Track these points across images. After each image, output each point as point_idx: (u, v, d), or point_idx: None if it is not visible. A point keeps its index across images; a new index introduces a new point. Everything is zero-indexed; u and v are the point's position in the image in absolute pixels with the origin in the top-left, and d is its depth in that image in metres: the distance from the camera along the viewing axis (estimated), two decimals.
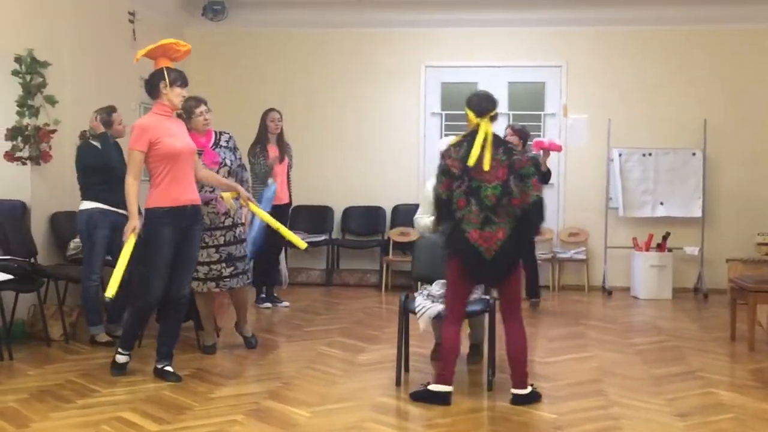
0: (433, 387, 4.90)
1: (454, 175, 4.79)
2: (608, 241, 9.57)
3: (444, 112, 10.01)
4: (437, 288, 5.40)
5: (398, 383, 5.27)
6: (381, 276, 9.57)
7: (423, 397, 4.92)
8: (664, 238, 9.20)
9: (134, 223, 5.11)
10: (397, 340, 5.37)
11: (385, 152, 10.02)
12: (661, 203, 9.47)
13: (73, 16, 7.60)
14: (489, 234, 4.73)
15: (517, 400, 4.89)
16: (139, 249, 5.16)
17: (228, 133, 6.22)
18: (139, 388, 5.17)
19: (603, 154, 9.58)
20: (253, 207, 5.91)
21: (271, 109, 8.17)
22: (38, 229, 6.89)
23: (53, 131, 6.84)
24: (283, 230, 5.91)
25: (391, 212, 9.97)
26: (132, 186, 5.13)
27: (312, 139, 9.87)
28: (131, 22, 8.64)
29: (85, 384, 5.26)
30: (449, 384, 4.88)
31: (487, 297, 5.39)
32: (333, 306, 8.51)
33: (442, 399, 4.86)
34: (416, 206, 9.57)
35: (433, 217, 5.20)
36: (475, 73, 9.96)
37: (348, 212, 10.04)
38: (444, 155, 4.88)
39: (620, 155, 9.48)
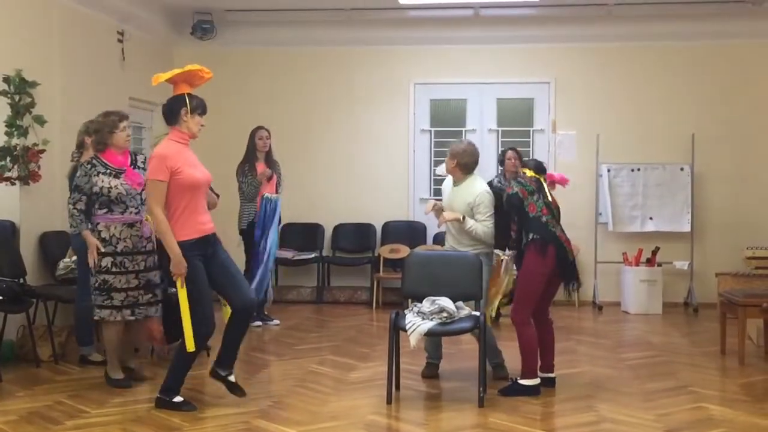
0: (525, 381, 5.44)
1: (532, 189, 5.59)
2: (598, 256, 9.58)
3: (433, 129, 10.04)
4: (427, 305, 5.40)
5: (389, 401, 5.26)
6: (372, 293, 9.56)
7: (515, 391, 5.42)
8: (654, 252, 9.22)
9: (184, 265, 4.84)
10: (388, 357, 5.36)
11: (375, 169, 10.04)
12: (650, 218, 9.50)
13: (62, 36, 7.61)
14: (565, 236, 5.60)
15: (553, 382, 5.64)
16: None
17: (143, 155, 6.03)
18: (129, 409, 5.15)
19: (592, 170, 9.62)
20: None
21: (260, 127, 8.18)
22: (27, 249, 6.86)
23: (42, 151, 6.83)
24: None
25: (381, 229, 9.96)
26: (163, 220, 4.86)
27: (301, 157, 9.87)
28: (120, 41, 8.66)
29: (75, 405, 5.23)
30: (536, 377, 5.47)
31: (477, 313, 5.40)
32: (324, 324, 8.49)
33: (535, 391, 5.43)
34: (406, 222, 9.80)
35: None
36: (464, 89, 10.01)
37: (338, 229, 10.04)
38: (519, 175, 5.83)
39: (609, 170, 9.51)
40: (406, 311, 5.49)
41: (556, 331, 5.79)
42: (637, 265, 9.23)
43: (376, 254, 9.80)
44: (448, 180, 6.07)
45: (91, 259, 5.64)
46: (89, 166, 5.73)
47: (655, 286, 9.13)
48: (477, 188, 5.85)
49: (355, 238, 10.02)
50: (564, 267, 5.54)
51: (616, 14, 9.35)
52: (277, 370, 6.40)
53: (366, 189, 10.04)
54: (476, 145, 6.03)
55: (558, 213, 5.69)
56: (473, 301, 5.52)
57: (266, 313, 8.30)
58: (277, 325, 8.23)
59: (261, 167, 8.02)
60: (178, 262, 4.85)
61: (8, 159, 6.69)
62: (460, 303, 5.48)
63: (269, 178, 8.01)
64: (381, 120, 10.06)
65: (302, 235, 9.85)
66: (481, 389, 5.20)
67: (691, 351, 7.09)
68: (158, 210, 4.88)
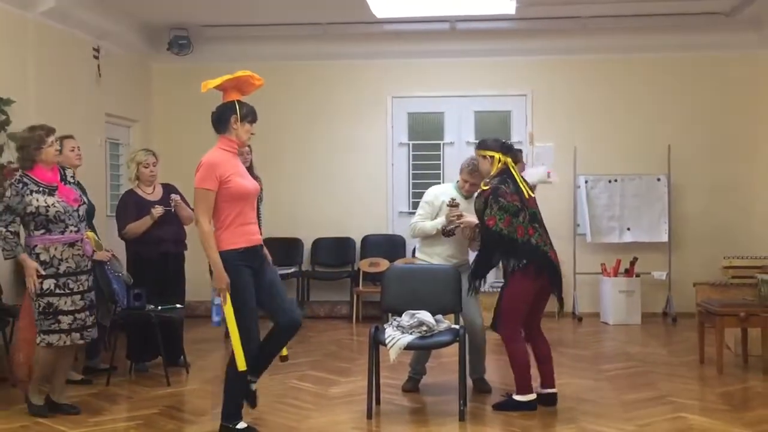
0: (519, 397, 5.34)
1: (516, 209, 5.24)
2: (577, 267, 9.62)
3: (411, 142, 10.06)
4: (407, 319, 5.40)
5: (369, 416, 5.25)
6: (352, 307, 9.55)
7: (510, 407, 5.35)
8: (632, 263, 9.27)
9: (226, 279, 4.60)
10: (368, 372, 5.35)
11: (354, 183, 10.04)
12: (628, 229, 9.55)
13: (37, 53, 7.56)
14: (554, 252, 5.45)
15: (554, 399, 5.47)
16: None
17: (71, 169, 5.76)
18: (107, 428, 5.10)
19: (569, 181, 9.66)
20: None
21: None
22: (3, 267, 6.78)
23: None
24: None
25: (360, 243, 9.96)
26: (208, 230, 4.63)
27: (281, 171, 9.86)
28: (96, 58, 8.61)
29: (51, 425, 5.17)
30: (532, 392, 5.35)
31: (457, 327, 5.39)
32: (304, 338, 8.45)
33: (531, 407, 5.33)
34: (386, 236, 9.80)
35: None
36: (441, 102, 10.04)
37: (318, 244, 10.02)
38: (499, 194, 5.26)
39: (586, 182, 9.57)
40: (385, 325, 5.48)
41: None
42: (615, 275, 9.27)
43: (355, 268, 9.79)
44: (446, 193, 5.91)
45: (30, 283, 5.23)
46: (20, 184, 5.27)
47: (634, 297, 9.18)
48: None
49: (335, 252, 10.01)
50: (558, 285, 5.53)
51: (591, 27, 9.42)
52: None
53: (345, 203, 10.04)
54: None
55: (538, 211, 5.43)
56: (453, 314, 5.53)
57: None
58: None
59: None
60: (220, 276, 4.60)
61: None
62: (439, 316, 5.48)
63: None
64: (359, 134, 10.07)
65: (282, 249, 9.77)
66: (461, 402, 5.19)
67: (670, 361, 7.12)
68: (204, 220, 4.64)
